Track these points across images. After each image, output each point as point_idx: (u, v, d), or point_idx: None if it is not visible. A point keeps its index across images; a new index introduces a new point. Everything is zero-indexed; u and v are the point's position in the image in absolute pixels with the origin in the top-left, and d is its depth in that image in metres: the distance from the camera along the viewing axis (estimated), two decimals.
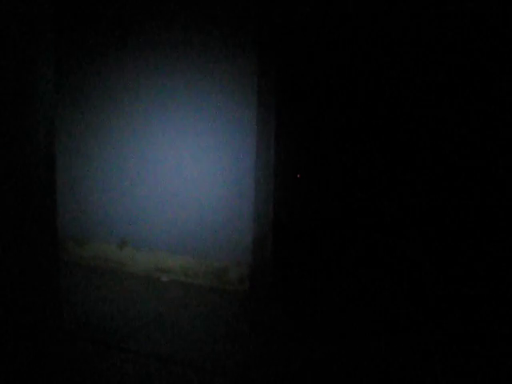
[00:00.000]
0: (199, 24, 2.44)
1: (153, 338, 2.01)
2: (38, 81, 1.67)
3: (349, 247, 2.54)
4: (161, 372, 1.78)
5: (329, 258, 2.56)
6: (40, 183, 1.74)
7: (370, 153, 2.45)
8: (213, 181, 2.51)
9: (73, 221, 2.79)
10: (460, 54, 2.26)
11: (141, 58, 2.58)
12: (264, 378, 1.77)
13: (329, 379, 1.75)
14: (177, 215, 2.59)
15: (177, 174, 2.58)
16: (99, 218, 2.76)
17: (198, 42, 2.45)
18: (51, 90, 1.74)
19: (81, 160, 2.78)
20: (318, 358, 1.89)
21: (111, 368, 1.80)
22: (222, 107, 2.45)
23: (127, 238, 2.70)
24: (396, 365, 1.83)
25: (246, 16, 2.37)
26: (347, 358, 1.88)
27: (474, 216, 2.30)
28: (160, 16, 2.52)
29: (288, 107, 2.49)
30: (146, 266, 2.66)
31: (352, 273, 2.56)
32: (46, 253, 1.77)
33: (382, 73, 2.38)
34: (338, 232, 2.53)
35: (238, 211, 2.47)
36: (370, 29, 2.37)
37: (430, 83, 2.31)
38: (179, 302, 2.36)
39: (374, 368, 1.81)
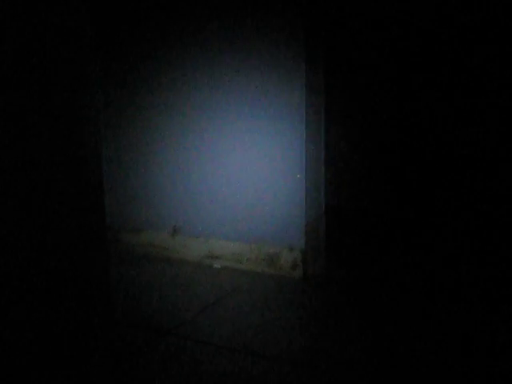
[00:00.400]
0: (247, 9, 2.42)
1: (208, 325, 2.02)
2: (86, 84, 1.68)
3: (404, 232, 2.48)
4: (216, 358, 1.78)
5: (383, 242, 2.51)
6: (88, 176, 1.76)
7: (427, 139, 2.38)
8: (263, 167, 2.49)
9: (126, 211, 2.82)
10: None
11: (193, 45, 2.57)
12: (323, 363, 1.75)
13: (391, 363, 1.72)
14: (228, 202, 2.59)
15: (228, 161, 2.57)
16: (151, 207, 2.78)
17: (247, 27, 2.42)
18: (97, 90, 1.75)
19: (132, 152, 2.80)
20: (377, 342, 1.85)
21: (164, 355, 1.82)
22: (270, 93, 2.42)
23: (179, 226, 2.72)
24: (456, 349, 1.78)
25: None
26: (406, 342, 1.84)
27: None
28: (208, 4, 2.50)
29: (338, 93, 2.44)
30: (198, 253, 2.67)
31: (408, 258, 2.51)
32: (95, 242, 1.79)
33: (441, 53, 2.30)
34: (392, 216, 2.48)
35: (289, 196, 2.45)
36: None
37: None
38: (232, 288, 2.36)
39: (433, 352, 1.77)
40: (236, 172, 2.56)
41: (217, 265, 2.62)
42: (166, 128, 2.70)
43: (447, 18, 2.30)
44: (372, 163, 2.47)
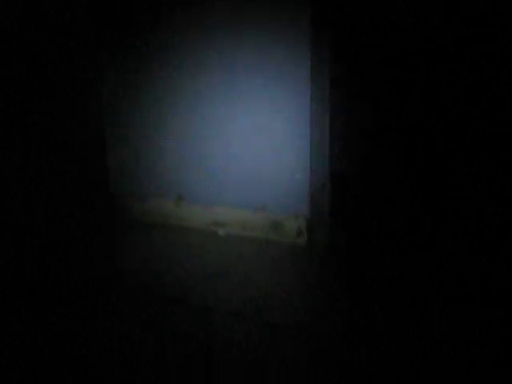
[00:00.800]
0: None
1: (214, 292, 2.03)
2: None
3: (409, 202, 2.47)
4: (224, 325, 1.81)
5: (388, 210, 2.50)
6: (91, 148, 1.75)
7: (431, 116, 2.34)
8: (269, 134, 2.47)
9: (131, 179, 2.81)
10: None
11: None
12: (328, 330, 1.77)
13: (389, 334, 1.74)
14: (233, 169, 2.58)
15: (233, 128, 2.55)
16: (156, 174, 2.77)
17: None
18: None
19: (137, 120, 2.78)
20: (378, 313, 1.87)
21: (171, 322, 1.84)
22: (276, 65, 2.39)
23: (184, 194, 2.71)
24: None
25: None
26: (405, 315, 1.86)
27: None
28: None
29: (344, 69, 2.39)
30: (203, 221, 2.68)
31: (412, 225, 2.50)
32: (100, 209, 1.80)
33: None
34: (398, 186, 2.46)
35: (294, 163, 2.44)
36: None
37: None
38: (238, 255, 2.38)
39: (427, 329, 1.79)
40: (241, 140, 2.54)
41: (221, 232, 2.63)
42: (172, 96, 2.67)
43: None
44: (379, 129, 2.45)
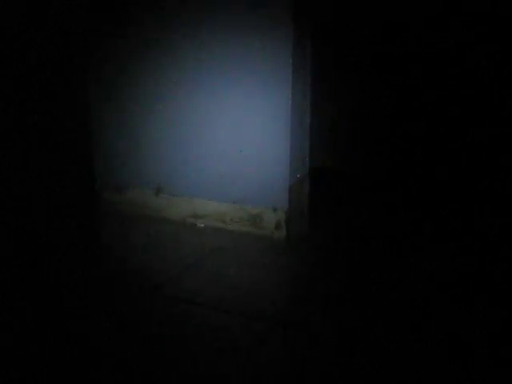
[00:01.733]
0: None
1: (191, 283, 2.04)
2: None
3: (388, 196, 2.50)
4: (198, 316, 1.81)
5: (367, 204, 2.53)
6: (76, 135, 1.74)
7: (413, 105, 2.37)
8: (249, 128, 2.48)
9: (110, 170, 2.80)
10: None
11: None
12: (303, 322, 1.78)
13: (367, 323, 1.76)
14: (213, 162, 2.58)
15: (213, 120, 2.55)
16: (136, 166, 2.76)
17: None
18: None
19: (117, 110, 2.76)
20: (357, 302, 1.90)
21: (147, 312, 1.84)
22: (256, 55, 2.39)
23: (163, 185, 2.71)
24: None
25: None
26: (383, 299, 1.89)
27: None
28: None
29: (325, 55, 2.41)
30: (182, 213, 2.68)
31: (390, 219, 2.54)
32: (84, 199, 1.79)
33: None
34: (376, 178, 2.49)
35: (274, 157, 2.45)
36: None
37: None
38: (216, 247, 2.38)
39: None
40: (221, 132, 2.54)
41: (200, 224, 2.63)
42: (152, 87, 2.66)
43: None
44: (357, 126, 2.48)
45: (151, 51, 2.62)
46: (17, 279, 1.57)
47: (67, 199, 1.67)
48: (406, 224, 2.57)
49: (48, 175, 1.62)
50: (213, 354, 1.58)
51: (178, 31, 2.54)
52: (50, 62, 1.59)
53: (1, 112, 1.48)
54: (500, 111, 2.26)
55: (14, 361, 1.51)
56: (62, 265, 1.67)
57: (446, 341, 1.65)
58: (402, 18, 2.25)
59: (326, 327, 1.74)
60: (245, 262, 2.24)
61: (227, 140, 2.54)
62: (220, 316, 1.81)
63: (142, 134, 2.72)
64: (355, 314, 1.82)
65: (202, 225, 2.63)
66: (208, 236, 2.51)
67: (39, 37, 1.55)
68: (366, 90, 2.40)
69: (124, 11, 2.65)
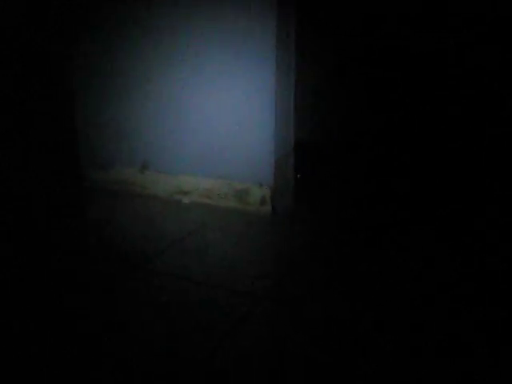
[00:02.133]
0: None
1: (178, 259, 2.05)
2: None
3: (371, 170, 2.51)
4: (183, 291, 1.83)
5: (351, 178, 2.54)
6: (59, 110, 1.72)
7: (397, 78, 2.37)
8: (234, 103, 2.47)
9: (95, 147, 2.78)
10: None
11: None
12: (290, 297, 1.81)
13: (352, 300, 1.79)
14: (198, 138, 2.57)
15: (199, 96, 2.53)
16: (120, 142, 2.75)
17: None
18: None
19: (100, 87, 2.73)
20: (340, 274, 1.92)
21: (136, 288, 1.85)
22: (241, 31, 2.37)
23: (148, 162, 2.70)
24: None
25: None
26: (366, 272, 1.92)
27: None
28: None
29: (309, 29, 2.39)
30: (167, 189, 2.68)
31: (374, 194, 2.55)
32: (68, 176, 1.79)
33: None
34: (361, 153, 2.50)
35: (259, 133, 2.44)
36: None
37: None
38: (201, 223, 2.39)
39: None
40: (207, 107, 2.53)
41: (186, 200, 2.63)
42: (138, 62, 2.63)
43: None
44: (341, 99, 2.47)
45: (132, 28, 2.59)
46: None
47: (50, 176, 1.67)
48: (394, 198, 2.59)
49: (31, 152, 1.61)
50: (195, 329, 1.60)
51: (162, 9, 2.51)
52: (32, 39, 1.57)
53: None
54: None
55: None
56: (45, 241, 1.67)
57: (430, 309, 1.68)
58: None
59: (309, 303, 1.76)
60: (230, 237, 2.25)
61: (212, 116, 2.53)
62: (206, 291, 1.83)
63: (126, 111, 2.70)
64: (339, 292, 1.84)
65: (188, 201, 2.63)
66: (194, 212, 2.52)
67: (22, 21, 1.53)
68: (354, 65, 2.40)
69: None
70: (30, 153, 1.62)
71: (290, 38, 2.42)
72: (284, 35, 2.36)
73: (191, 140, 2.59)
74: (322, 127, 2.48)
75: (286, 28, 2.38)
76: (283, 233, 2.33)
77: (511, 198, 2.36)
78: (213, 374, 1.42)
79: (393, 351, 1.49)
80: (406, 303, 1.73)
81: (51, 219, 1.68)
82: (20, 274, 1.64)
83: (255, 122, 2.44)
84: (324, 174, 2.70)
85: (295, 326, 1.62)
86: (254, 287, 1.84)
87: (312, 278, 1.91)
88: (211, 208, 2.55)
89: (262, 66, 2.38)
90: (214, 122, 2.53)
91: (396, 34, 2.27)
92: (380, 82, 2.42)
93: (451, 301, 1.74)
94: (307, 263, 2.03)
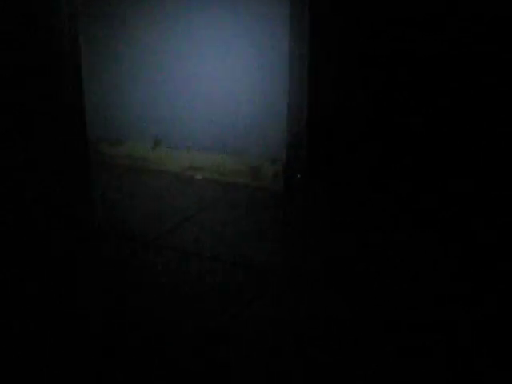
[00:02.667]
0: None
1: (191, 236, 2.04)
2: None
3: (385, 149, 2.47)
4: (200, 268, 1.82)
5: (363, 158, 2.51)
6: (67, 85, 1.71)
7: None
8: (246, 79, 2.43)
9: (106, 123, 2.77)
10: None
11: None
12: (301, 273, 1.79)
13: (363, 280, 1.77)
14: (211, 113, 2.54)
15: (210, 72, 2.50)
16: (132, 118, 2.73)
17: None
18: None
19: (111, 62, 2.71)
20: (354, 252, 1.91)
21: (147, 264, 1.85)
22: (255, 12, 2.32)
23: (161, 138, 2.68)
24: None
25: None
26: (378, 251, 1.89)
27: None
28: None
29: (323, 19, 2.33)
30: (179, 165, 2.66)
31: (388, 175, 2.52)
32: (77, 151, 1.78)
33: None
34: (374, 132, 2.46)
35: (273, 109, 2.41)
36: None
37: None
38: (214, 199, 2.38)
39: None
40: (218, 84, 2.50)
41: (198, 176, 2.62)
42: (148, 38, 2.60)
43: None
44: (356, 74, 2.42)
45: (145, 11, 2.55)
46: (8, 231, 1.58)
47: (60, 150, 1.66)
48: (406, 175, 2.55)
49: (39, 126, 1.61)
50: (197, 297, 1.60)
51: None
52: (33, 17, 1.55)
53: None
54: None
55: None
56: (54, 217, 1.67)
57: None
58: None
59: (319, 282, 1.75)
60: (242, 214, 2.24)
61: (224, 92, 2.50)
62: (215, 266, 1.82)
63: (138, 87, 2.68)
64: (349, 274, 1.83)
65: (200, 177, 2.62)
66: (205, 188, 2.50)
67: None
68: (365, 45, 2.34)
69: None
70: (40, 125, 1.61)
71: (304, 17, 2.36)
72: (298, 15, 2.31)
73: (203, 116, 2.56)
74: (335, 106, 2.44)
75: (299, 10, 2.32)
76: (295, 210, 2.31)
77: None
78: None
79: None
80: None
81: (60, 192, 1.68)
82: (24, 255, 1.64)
83: (268, 97, 2.41)
84: (336, 150, 2.66)
85: (306, 308, 1.61)
86: (266, 263, 1.83)
87: (324, 256, 1.89)
88: (224, 184, 2.54)
89: (275, 41, 2.33)
90: (226, 99, 2.50)
91: None
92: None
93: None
94: (319, 239, 2.01)
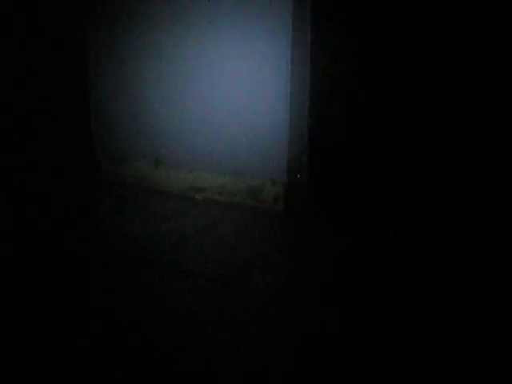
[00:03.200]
0: None
1: (190, 255, 2.04)
2: None
3: (387, 167, 2.49)
4: (196, 287, 1.82)
5: (364, 179, 2.52)
6: (75, 105, 1.72)
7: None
8: (247, 100, 2.46)
9: (108, 141, 2.79)
10: None
11: None
12: (303, 294, 1.79)
13: (365, 296, 1.77)
14: (212, 134, 2.56)
15: (212, 93, 2.53)
16: (134, 137, 2.75)
17: None
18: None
19: (115, 81, 2.74)
20: (353, 272, 1.91)
21: (147, 284, 1.85)
22: (255, 19, 2.35)
23: (162, 157, 2.70)
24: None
25: None
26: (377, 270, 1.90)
27: None
28: None
29: (325, 29, 2.36)
30: (180, 185, 2.67)
31: (388, 192, 2.53)
32: (82, 170, 1.79)
33: None
34: (375, 152, 2.48)
35: (273, 130, 2.43)
36: None
37: None
38: (214, 219, 2.38)
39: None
40: (220, 105, 2.53)
41: (199, 197, 2.63)
42: (150, 57, 2.63)
43: None
44: (357, 97, 2.45)
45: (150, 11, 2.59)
46: (15, 249, 1.58)
47: (65, 169, 1.67)
48: (410, 193, 2.56)
49: (46, 144, 1.62)
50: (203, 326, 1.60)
51: None
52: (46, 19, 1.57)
53: None
54: None
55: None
56: (59, 235, 1.67)
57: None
58: None
59: (319, 301, 1.75)
60: (243, 234, 2.24)
61: (226, 113, 2.52)
62: (217, 287, 1.82)
63: (141, 107, 2.70)
64: (349, 291, 1.83)
65: (201, 197, 2.62)
66: (206, 209, 2.51)
67: None
68: (368, 59, 2.37)
69: None
70: (46, 145, 1.62)
71: (305, 28, 2.39)
72: (300, 27, 2.34)
73: (205, 137, 2.58)
74: (336, 126, 2.46)
75: (302, 17, 2.36)
76: (296, 231, 2.31)
77: None
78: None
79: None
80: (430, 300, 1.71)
81: (62, 211, 1.68)
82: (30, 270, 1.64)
83: (269, 118, 2.43)
84: (337, 172, 2.68)
85: (306, 325, 1.61)
86: (266, 284, 1.83)
87: (323, 276, 1.89)
88: (224, 205, 2.54)
89: (277, 63, 2.36)
90: (227, 119, 2.52)
91: None
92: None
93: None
94: (320, 261, 2.01)
